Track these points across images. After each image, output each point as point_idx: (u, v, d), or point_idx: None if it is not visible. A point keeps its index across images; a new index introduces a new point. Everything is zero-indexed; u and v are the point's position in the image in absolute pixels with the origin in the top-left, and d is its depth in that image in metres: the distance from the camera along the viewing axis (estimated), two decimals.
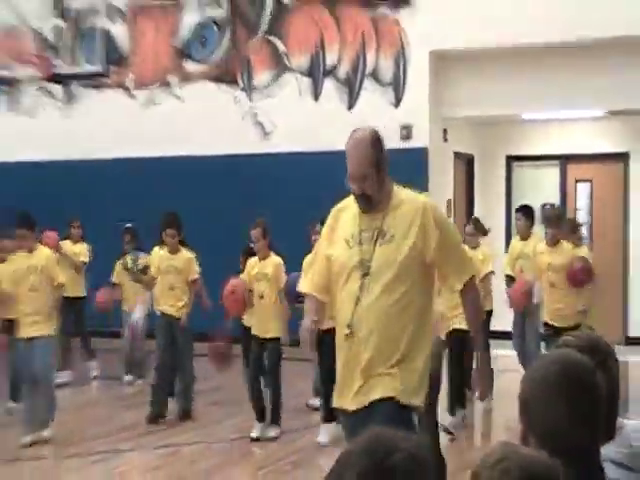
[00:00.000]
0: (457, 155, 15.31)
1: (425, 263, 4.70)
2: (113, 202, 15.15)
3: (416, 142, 14.06)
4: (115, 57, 16.04)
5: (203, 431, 9.62)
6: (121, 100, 16.00)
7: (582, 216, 15.41)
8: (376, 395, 4.54)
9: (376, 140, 4.72)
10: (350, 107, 14.48)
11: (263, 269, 9.12)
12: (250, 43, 15.14)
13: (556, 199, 15.43)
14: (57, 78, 16.40)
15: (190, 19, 15.57)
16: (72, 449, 8.85)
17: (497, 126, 15.54)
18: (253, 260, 9.30)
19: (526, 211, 11.49)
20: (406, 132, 14.11)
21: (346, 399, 4.66)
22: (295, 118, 14.53)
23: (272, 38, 14.98)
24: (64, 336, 11.86)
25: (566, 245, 10.50)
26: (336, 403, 4.78)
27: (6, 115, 17.07)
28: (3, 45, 16.67)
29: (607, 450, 2.68)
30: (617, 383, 2.85)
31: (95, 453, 8.73)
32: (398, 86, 14.20)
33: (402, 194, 4.81)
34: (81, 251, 12.55)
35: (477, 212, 15.55)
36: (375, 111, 14.14)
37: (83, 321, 12.54)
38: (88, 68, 16.11)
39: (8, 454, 8.57)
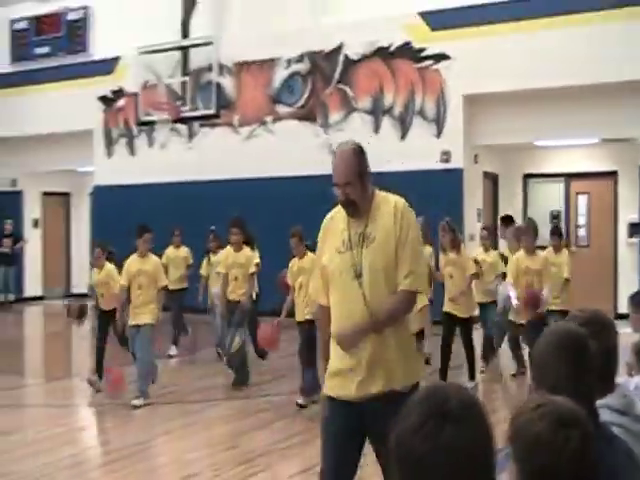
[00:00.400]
0: (485, 174, 15.07)
1: None
2: (223, 213, 15.14)
3: (453, 164, 13.92)
4: (224, 103, 16.06)
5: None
6: (229, 135, 16.03)
7: (582, 221, 15.30)
8: (379, 387, 3.76)
9: (359, 152, 3.94)
10: (402, 137, 14.33)
11: (302, 265, 8.73)
12: (326, 90, 15.08)
13: (561, 208, 15.25)
14: (182, 120, 16.49)
15: (281, 73, 15.53)
16: (191, 397, 8.78)
17: (516, 151, 15.27)
18: (293, 260, 8.89)
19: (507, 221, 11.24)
20: (445, 157, 13.96)
21: (348, 390, 3.80)
22: None
23: (343, 86, 14.89)
24: (176, 319, 11.70)
25: (541, 253, 9.12)
26: (332, 392, 3.88)
27: (145, 148, 17.24)
28: (144, 97, 16.81)
29: (607, 400, 2.69)
30: (613, 349, 2.78)
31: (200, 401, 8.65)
32: (439, 121, 14.02)
33: (380, 197, 3.99)
34: (186, 255, 12.09)
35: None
36: (421, 140, 14.02)
37: (181, 308, 11.83)
38: (205, 111, 16.17)
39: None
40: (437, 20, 13.89)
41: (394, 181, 13.77)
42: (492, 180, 15.57)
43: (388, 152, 14.02)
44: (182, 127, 16.65)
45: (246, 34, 15.59)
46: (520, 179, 15.70)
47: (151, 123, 16.88)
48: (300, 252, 8.60)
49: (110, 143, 17.67)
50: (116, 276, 9.10)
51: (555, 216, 15.14)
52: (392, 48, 14.32)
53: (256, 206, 14.79)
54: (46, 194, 20.21)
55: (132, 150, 17.41)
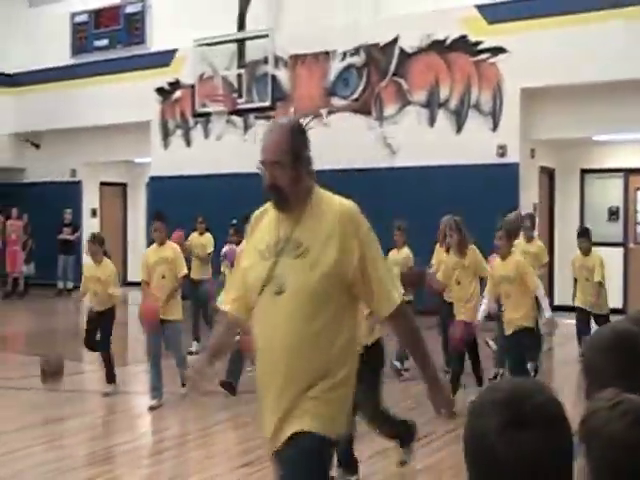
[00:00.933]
0: (542, 169, 14.91)
1: (348, 282, 3.03)
2: None
3: (509, 158, 13.80)
4: (280, 95, 16.15)
5: None
6: None
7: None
8: (293, 428, 2.97)
9: (297, 130, 3.13)
10: (458, 131, 14.26)
11: (397, 256, 8.88)
12: (381, 83, 15.05)
13: (620, 204, 14.98)
14: (238, 112, 16.61)
15: (336, 66, 15.56)
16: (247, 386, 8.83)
17: (573, 145, 15.06)
18: (392, 251, 9.03)
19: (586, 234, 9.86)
20: (502, 151, 13.85)
21: (266, 428, 3.10)
22: (415, 140, 14.41)
23: (398, 79, 14.86)
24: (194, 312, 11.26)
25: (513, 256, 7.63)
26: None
27: (201, 140, 17.41)
28: (200, 89, 16.96)
29: None
30: None
31: None
32: (495, 115, 13.92)
33: (323, 198, 3.15)
34: (207, 242, 11.84)
35: (557, 215, 15.16)
36: (477, 134, 13.93)
37: (207, 299, 11.37)
38: (260, 104, 16.27)
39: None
40: (494, 13, 13.78)
41: (448, 175, 13.83)
42: (548, 175, 15.39)
43: (443, 146, 14.00)
44: (238, 119, 16.78)
45: (302, 27, 15.64)
46: (577, 174, 15.48)
47: (207, 115, 17.04)
48: (402, 244, 8.67)
49: (167, 134, 17.89)
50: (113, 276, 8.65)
51: (613, 212, 14.92)
52: (448, 41, 14.24)
53: None
54: (104, 184, 20.57)
55: (188, 141, 17.61)
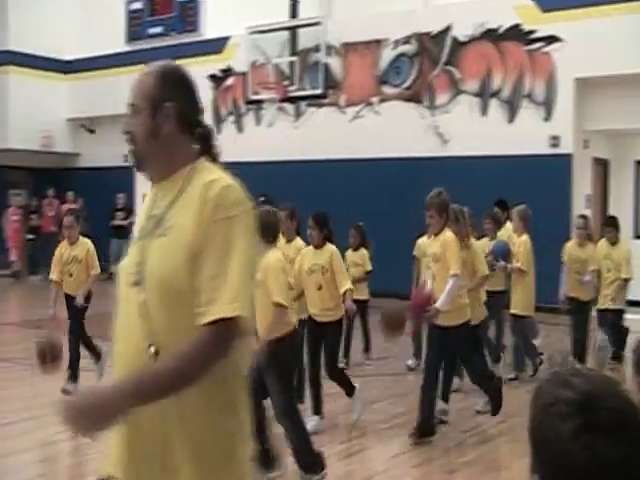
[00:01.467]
0: (595, 160, 14.74)
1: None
2: (326, 193, 15.31)
3: (563, 149, 13.69)
4: (331, 83, 16.18)
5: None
6: (335, 115, 16.17)
7: None
8: None
9: (171, 75, 2.46)
10: (510, 121, 14.16)
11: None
12: (433, 72, 15.00)
13: None
14: (289, 99, 16.67)
15: (388, 54, 15.55)
16: None
17: (628, 136, 14.87)
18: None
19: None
20: (554, 141, 13.73)
21: None
22: (467, 129, 14.35)
23: (450, 68, 14.81)
24: None
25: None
26: None
27: (252, 127, 17.56)
28: (253, 77, 17.06)
29: None
30: None
31: None
32: (549, 105, 13.80)
33: (200, 169, 2.38)
34: None
35: (610, 207, 14.98)
36: (529, 124, 13.82)
37: None
38: (312, 91, 16.32)
39: None
40: (548, 1, 13.65)
41: (499, 165, 13.75)
42: (602, 166, 15.21)
43: (494, 136, 13.92)
44: (289, 106, 16.87)
45: (354, 15, 15.66)
46: (632, 165, 15.29)
47: (259, 102, 17.15)
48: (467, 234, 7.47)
49: (218, 121, 18.06)
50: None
51: None
52: (501, 30, 14.14)
53: (359, 187, 14.90)
54: None
55: (240, 128, 17.76)
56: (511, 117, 14.18)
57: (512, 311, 8.60)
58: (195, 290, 2.14)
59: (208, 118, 18.07)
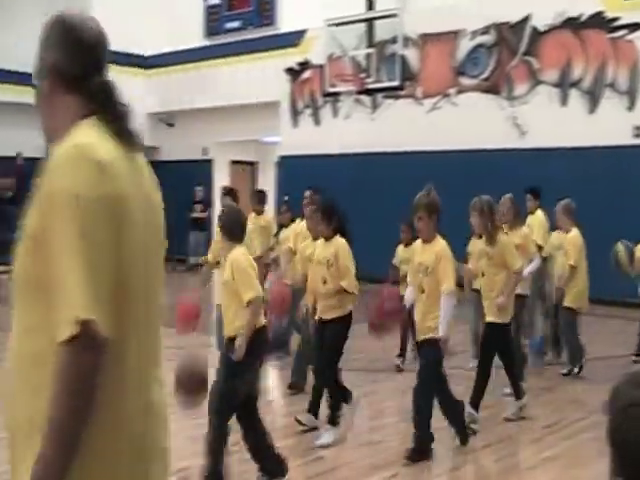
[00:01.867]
0: None
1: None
2: (401, 185, 15.23)
3: None
4: (408, 74, 16.10)
5: None
6: (412, 107, 16.09)
7: None
8: None
9: (52, 25, 2.05)
10: (591, 111, 13.86)
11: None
12: (511, 62, 14.79)
13: None
14: (366, 91, 16.65)
15: (465, 45, 15.40)
16: (376, 364, 8.86)
17: None
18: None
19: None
20: (638, 132, 13.37)
21: None
22: (546, 121, 14.10)
23: (529, 58, 14.58)
24: None
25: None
26: None
27: (329, 119, 17.60)
28: (330, 69, 17.09)
29: None
30: None
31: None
32: (632, 94, 13.47)
33: (72, 134, 1.94)
34: (266, 224, 10.11)
35: None
36: (612, 114, 13.51)
37: None
38: (389, 83, 16.26)
39: None
40: None
41: (580, 156, 13.47)
42: None
43: (575, 126, 13.64)
44: (366, 98, 16.85)
45: (431, 6, 15.53)
46: None
47: (336, 94, 17.17)
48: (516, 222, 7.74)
49: (296, 114, 18.16)
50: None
51: None
52: (583, 18, 13.84)
53: (435, 180, 14.75)
54: (234, 162, 21.08)
55: (317, 121, 17.82)
56: (592, 107, 13.87)
57: (565, 304, 8.38)
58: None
59: (285, 111, 18.20)
